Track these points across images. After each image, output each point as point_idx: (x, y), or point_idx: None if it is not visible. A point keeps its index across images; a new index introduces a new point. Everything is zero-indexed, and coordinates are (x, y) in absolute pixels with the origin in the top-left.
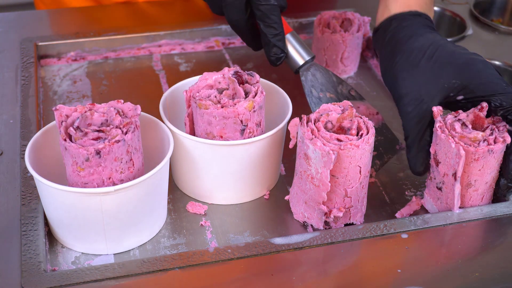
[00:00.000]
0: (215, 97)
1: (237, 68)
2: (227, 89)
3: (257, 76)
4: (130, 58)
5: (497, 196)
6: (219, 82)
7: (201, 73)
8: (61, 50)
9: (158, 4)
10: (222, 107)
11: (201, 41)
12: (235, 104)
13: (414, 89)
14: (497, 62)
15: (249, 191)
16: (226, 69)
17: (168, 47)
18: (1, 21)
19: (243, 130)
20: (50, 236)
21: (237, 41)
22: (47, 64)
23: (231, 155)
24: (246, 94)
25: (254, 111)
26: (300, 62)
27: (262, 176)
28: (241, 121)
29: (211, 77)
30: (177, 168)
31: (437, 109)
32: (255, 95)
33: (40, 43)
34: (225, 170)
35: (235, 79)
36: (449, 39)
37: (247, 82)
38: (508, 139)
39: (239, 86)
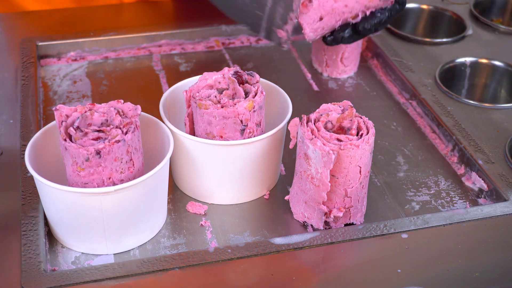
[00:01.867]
0: (215, 97)
1: (237, 68)
2: (227, 89)
3: (257, 76)
4: (130, 58)
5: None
6: (219, 82)
7: (201, 73)
8: (61, 50)
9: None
10: (222, 107)
11: (201, 41)
12: (235, 104)
13: None
14: (497, 62)
15: (249, 191)
16: (226, 69)
17: (168, 47)
18: (1, 21)
19: (243, 130)
20: (50, 236)
21: (237, 41)
22: (47, 64)
23: (231, 155)
24: (246, 94)
25: (254, 111)
26: None
27: (262, 176)
28: (241, 121)
29: (211, 77)
30: (177, 168)
31: None
32: (255, 95)
33: (40, 43)
34: (225, 170)
35: (235, 79)
36: (449, 39)
37: (247, 82)
38: None
39: (239, 86)
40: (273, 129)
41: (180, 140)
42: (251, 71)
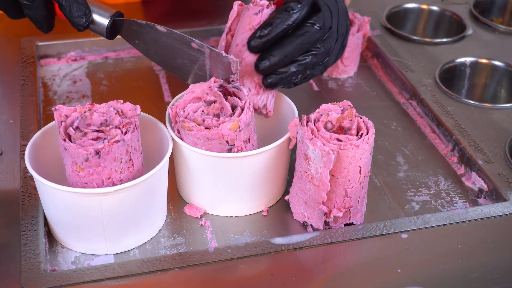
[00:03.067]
0: (203, 111)
1: (222, 82)
2: (215, 101)
3: (244, 90)
4: (130, 58)
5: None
6: (207, 94)
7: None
8: (61, 50)
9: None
10: (206, 128)
11: (201, 41)
12: (219, 125)
13: None
14: (497, 62)
15: (245, 206)
16: (212, 79)
17: None
18: (1, 21)
19: (230, 149)
20: (50, 236)
21: None
22: (47, 64)
23: (224, 167)
24: (234, 108)
25: (240, 130)
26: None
27: (258, 191)
28: (227, 142)
29: (198, 89)
30: (178, 176)
31: None
32: (242, 111)
33: (40, 43)
34: (220, 182)
35: (221, 93)
36: (449, 39)
37: (234, 94)
38: None
39: (227, 99)
40: (280, 136)
41: (182, 150)
42: (238, 85)
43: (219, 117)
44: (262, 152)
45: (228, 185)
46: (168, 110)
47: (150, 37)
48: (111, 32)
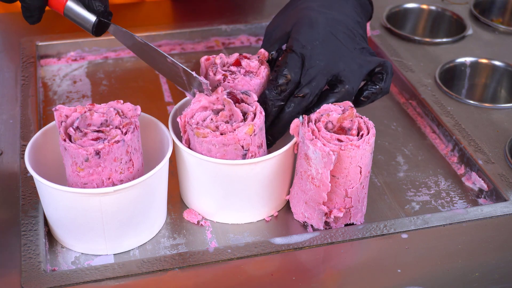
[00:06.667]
0: (211, 120)
1: (230, 89)
2: (223, 109)
3: (254, 95)
4: (130, 58)
5: None
6: (213, 103)
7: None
8: (61, 50)
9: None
10: (221, 133)
11: (201, 41)
12: (235, 130)
13: (271, 29)
14: (497, 62)
15: (251, 212)
16: (219, 89)
17: (168, 47)
18: (1, 21)
19: (245, 155)
20: (50, 236)
21: (237, 41)
22: (47, 64)
23: (238, 174)
24: (244, 114)
25: (255, 135)
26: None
27: (269, 196)
28: (242, 146)
29: (205, 98)
30: (183, 183)
31: None
32: (254, 116)
33: (40, 43)
34: (233, 189)
35: (230, 100)
36: (449, 39)
37: (243, 101)
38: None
39: (236, 105)
40: (283, 144)
41: (191, 160)
42: (246, 90)
43: (231, 120)
44: (274, 156)
45: (240, 192)
46: (177, 119)
47: (136, 44)
48: (97, 30)
